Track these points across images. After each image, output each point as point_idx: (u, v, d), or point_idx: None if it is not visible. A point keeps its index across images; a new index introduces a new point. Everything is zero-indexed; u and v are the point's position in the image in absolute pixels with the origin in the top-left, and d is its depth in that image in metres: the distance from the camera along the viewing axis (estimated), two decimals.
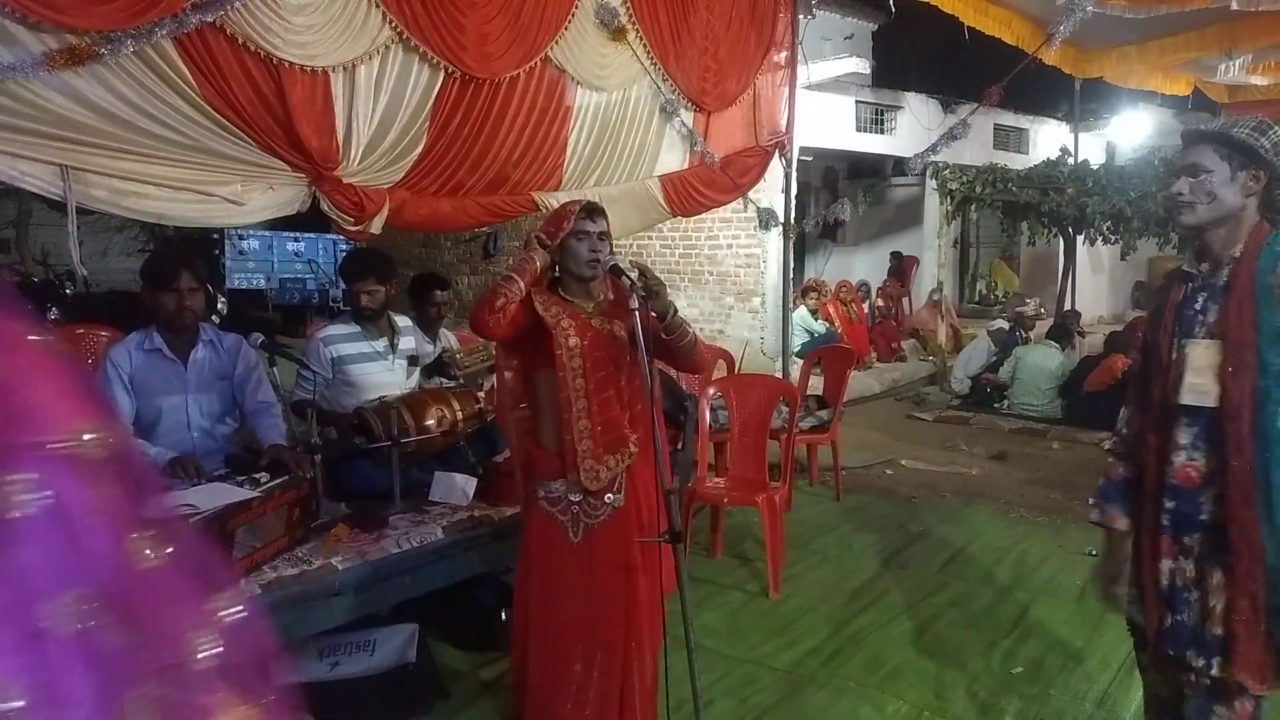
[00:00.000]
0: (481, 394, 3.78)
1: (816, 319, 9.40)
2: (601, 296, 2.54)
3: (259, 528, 2.59)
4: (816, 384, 6.36)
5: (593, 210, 2.48)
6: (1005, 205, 10.65)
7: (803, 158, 10.05)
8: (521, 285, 2.38)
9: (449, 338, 4.34)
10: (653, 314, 2.38)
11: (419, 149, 3.81)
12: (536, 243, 2.44)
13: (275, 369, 3.30)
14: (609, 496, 2.48)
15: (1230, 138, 1.92)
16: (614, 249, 2.52)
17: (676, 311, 2.46)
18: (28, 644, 0.67)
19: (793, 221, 6.28)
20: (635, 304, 2.31)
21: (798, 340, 8.55)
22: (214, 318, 3.88)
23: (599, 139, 4.56)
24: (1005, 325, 9.39)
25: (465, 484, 3.27)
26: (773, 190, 6.86)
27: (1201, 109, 11.19)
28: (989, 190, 10.43)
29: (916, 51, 12.94)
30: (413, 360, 3.85)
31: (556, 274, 2.53)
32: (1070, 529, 5.10)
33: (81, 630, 0.69)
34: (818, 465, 5.98)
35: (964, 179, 10.56)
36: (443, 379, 3.95)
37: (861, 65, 10.31)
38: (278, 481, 2.72)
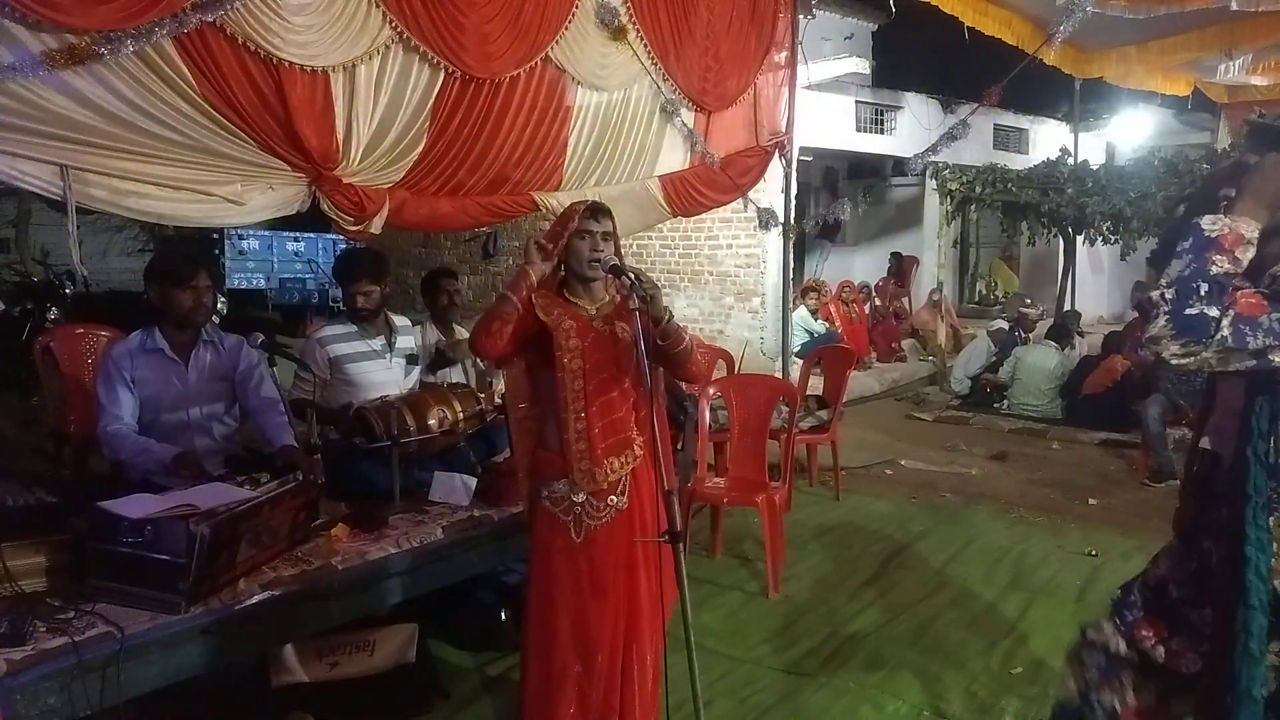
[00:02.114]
0: (483, 395, 3.79)
1: (816, 319, 9.40)
2: (606, 298, 2.55)
3: (266, 532, 2.58)
4: (816, 384, 6.37)
5: (597, 210, 2.48)
6: (1005, 205, 10.64)
7: (803, 158, 10.06)
8: (517, 303, 2.38)
9: (462, 332, 4.42)
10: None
11: (419, 149, 3.81)
12: (535, 248, 2.43)
13: (275, 369, 3.30)
14: (612, 498, 2.48)
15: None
16: (620, 250, 2.52)
17: (672, 317, 2.46)
18: None
19: (793, 221, 6.28)
20: (635, 304, 2.32)
21: (798, 340, 8.55)
22: (214, 318, 3.90)
23: (599, 139, 4.56)
24: (1005, 325, 9.39)
25: (465, 484, 3.27)
26: (773, 190, 6.86)
27: (1201, 109, 11.21)
28: (989, 190, 10.43)
29: (916, 51, 12.92)
30: (411, 359, 3.86)
31: (563, 273, 2.53)
32: (1070, 529, 5.11)
33: None
34: (818, 465, 5.99)
35: (964, 179, 10.56)
36: (447, 368, 4.06)
37: (861, 65, 10.30)
38: (287, 488, 2.70)
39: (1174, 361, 1.57)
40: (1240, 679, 1.67)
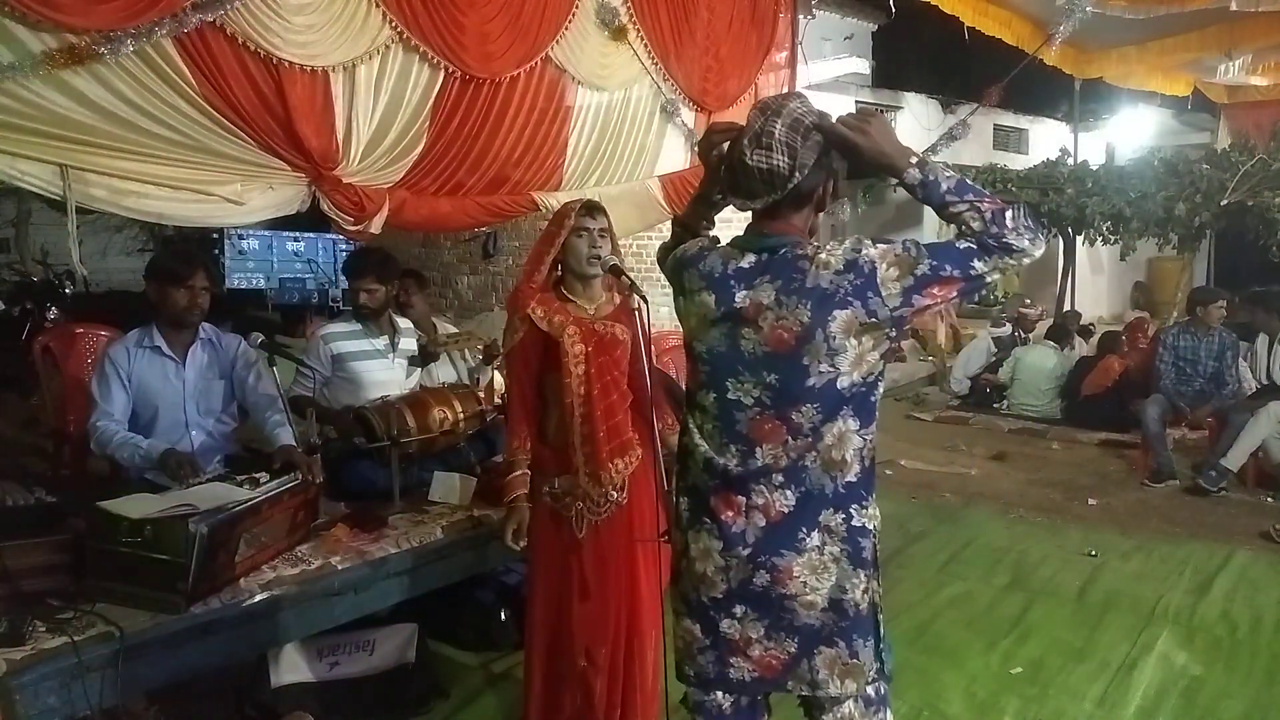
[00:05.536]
0: (480, 391, 3.79)
1: None
2: (604, 297, 2.55)
3: (265, 531, 2.58)
4: None
5: (592, 208, 2.50)
6: None
7: None
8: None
9: (447, 327, 4.46)
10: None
11: (419, 149, 3.81)
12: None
13: (275, 369, 3.30)
14: (613, 493, 2.50)
15: None
16: (618, 248, 2.53)
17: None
18: None
19: None
20: (635, 304, 2.32)
21: None
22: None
23: (599, 139, 4.56)
24: (1009, 329, 9.38)
25: (464, 484, 3.27)
26: None
27: (1201, 109, 11.21)
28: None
29: (916, 51, 12.94)
30: (413, 361, 3.86)
31: (559, 272, 2.54)
32: (1069, 529, 5.11)
33: None
34: None
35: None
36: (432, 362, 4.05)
37: (861, 65, 10.32)
38: (286, 487, 2.69)
39: None
40: None
